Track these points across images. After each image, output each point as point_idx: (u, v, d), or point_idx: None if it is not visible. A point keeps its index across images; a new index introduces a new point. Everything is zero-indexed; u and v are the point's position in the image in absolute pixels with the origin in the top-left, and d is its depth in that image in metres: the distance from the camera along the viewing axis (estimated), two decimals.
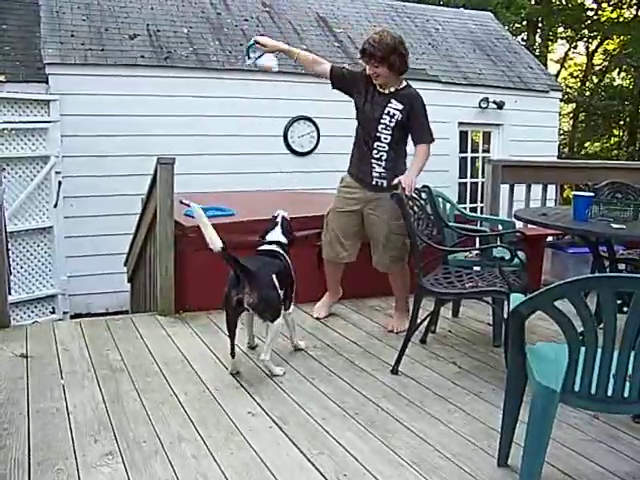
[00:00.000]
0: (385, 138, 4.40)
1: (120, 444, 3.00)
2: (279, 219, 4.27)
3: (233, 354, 3.79)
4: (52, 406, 3.38)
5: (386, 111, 4.37)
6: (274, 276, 3.78)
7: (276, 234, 4.20)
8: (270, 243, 4.15)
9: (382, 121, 4.38)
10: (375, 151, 4.44)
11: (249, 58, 4.52)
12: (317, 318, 4.94)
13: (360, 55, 4.36)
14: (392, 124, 4.37)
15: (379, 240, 4.57)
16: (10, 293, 5.29)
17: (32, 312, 8.13)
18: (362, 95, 4.46)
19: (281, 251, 4.12)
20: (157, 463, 2.85)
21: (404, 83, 4.45)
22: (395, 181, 4.20)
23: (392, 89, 4.40)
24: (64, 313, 8.30)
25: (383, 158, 4.44)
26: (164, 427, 3.18)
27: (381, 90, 4.41)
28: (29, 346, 4.28)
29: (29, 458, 2.87)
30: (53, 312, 8.32)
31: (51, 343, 4.36)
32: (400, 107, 4.37)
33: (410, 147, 4.55)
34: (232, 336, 3.77)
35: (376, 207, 4.49)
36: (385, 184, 4.44)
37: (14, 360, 4.03)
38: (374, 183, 4.49)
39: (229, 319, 3.77)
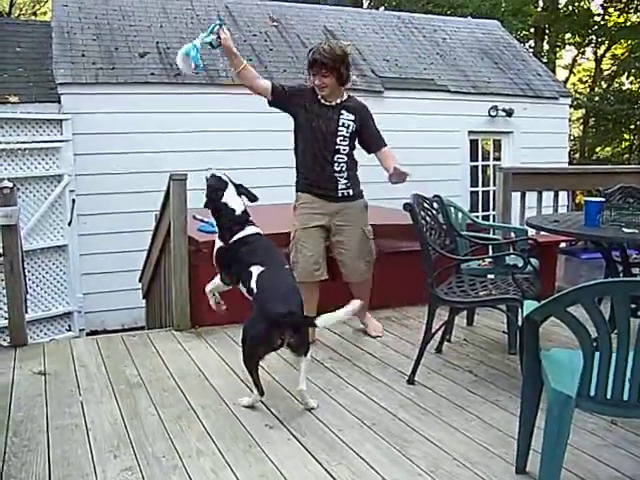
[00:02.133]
0: (344, 149, 4.41)
1: (139, 459, 3.03)
2: (225, 177, 3.97)
3: (263, 392, 3.54)
4: (71, 422, 3.42)
5: (340, 122, 4.38)
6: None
7: (237, 199, 3.93)
8: (247, 222, 3.90)
9: (339, 133, 4.38)
10: (336, 164, 4.41)
11: (204, 38, 4.27)
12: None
13: (309, 66, 4.34)
14: (348, 134, 4.40)
15: (354, 248, 4.58)
16: (27, 311, 5.34)
17: (49, 330, 8.18)
18: (309, 111, 4.39)
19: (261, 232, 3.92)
20: (176, 477, 2.87)
21: (346, 95, 4.48)
22: (391, 170, 4.34)
23: (338, 101, 4.42)
24: (80, 330, 8.34)
25: (344, 169, 4.44)
26: (182, 441, 3.20)
27: (327, 103, 4.40)
28: (47, 363, 4.32)
29: (49, 474, 2.91)
30: (69, 329, 8.36)
31: (68, 360, 4.40)
32: (352, 117, 4.41)
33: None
34: (257, 373, 3.52)
35: (345, 216, 4.52)
36: (351, 193, 4.50)
37: (32, 377, 4.07)
38: (340, 195, 4.48)
39: (259, 358, 3.47)
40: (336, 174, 4.43)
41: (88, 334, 7.98)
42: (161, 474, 2.89)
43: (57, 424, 3.40)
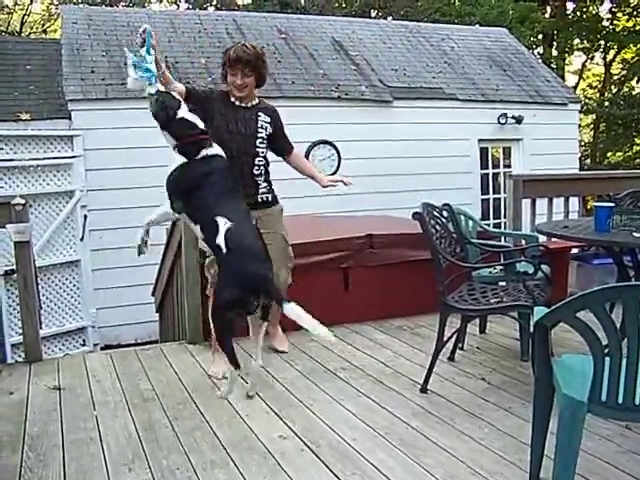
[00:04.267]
0: (262, 152, 4.27)
1: (154, 472, 3.04)
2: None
3: (238, 364, 3.52)
4: (86, 436, 3.43)
5: (259, 124, 4.26)
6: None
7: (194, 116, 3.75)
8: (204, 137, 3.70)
9: (259, 135, 4.24)
10: (256, 167, 4.25)
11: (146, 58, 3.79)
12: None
13: (229, 64, 4.17)
14: (265, 137, 4.28)
15: (276, 255, 4.23)
16: (41, 327, 5.37)
17: (63, 345, 8.22)
18: (224, 114, 4.20)
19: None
20: None
21: (257, 98, 4.36)
22: (337, 179, 4.61)
23: (253, 102, 4.30)
24: (94, 345, 8.38)
25: (262, 172, 4.30)
26: (197, 454, 3.21)
27: (243, 105, 4.25)
28: (61, 378, 4.34)
29: None
30: (84, 344, 8.41)
31: (83, 375, 4.42)
32: (268, 120, 4.30)
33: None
34: (230, 342, 3.50)
35: (267, 222, 4.29)
36: (269, 198, 4.37)
37: (47, 392, 4.10)
38: (260, 200, 4.30)
39: (231, 320, 3.47)
40: (256, 178, 4.26)
41: (102, 348, 8.01)
42: None
43: (72, 438, 3.42)
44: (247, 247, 3.45)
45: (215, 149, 3.71)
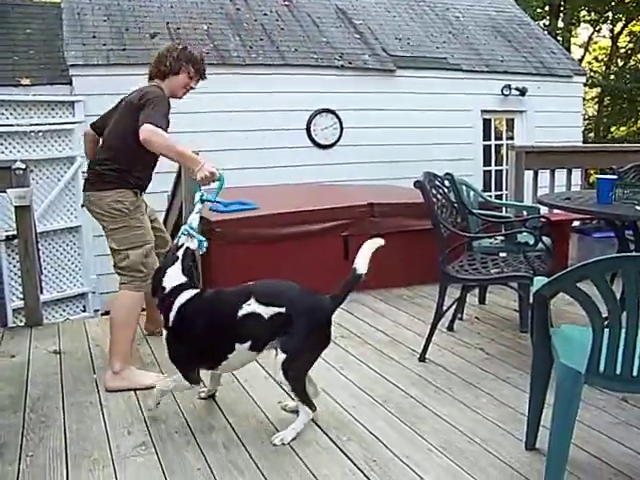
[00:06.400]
0: None
1: (153, 435, 3.07)
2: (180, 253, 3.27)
3: (315, 406, 3.13)
4: (86, 400, 3.47)
5: None
6: None
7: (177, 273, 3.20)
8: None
9: None
10: None
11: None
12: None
13: (201, 74, 4.16)
14: None
15: (167, 235, 4.32)
16: (42, 292, 5.39)
17: (64, 310, 8.23)
18: None
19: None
20: (189, 453, 2.91)
21: None
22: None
23: None
24: (95, 311, 8.38)
25: None
26: (195, 418, 3.24)
27: None
28: (62, 343, 4.38)
29: (66, 449, 2.95)
30: (84, 310, 8.42)
31: (83, 339, 4.45)
32: None
33: None
34: None
35: (147, 206, 4.17)
36: None
37: (48, 356, 4.13)
38: None
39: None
40: None
41: (102, 314, 8.03)
42: (174, 449, 2.93)
43: (72, 401, 3.45)
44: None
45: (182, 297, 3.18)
